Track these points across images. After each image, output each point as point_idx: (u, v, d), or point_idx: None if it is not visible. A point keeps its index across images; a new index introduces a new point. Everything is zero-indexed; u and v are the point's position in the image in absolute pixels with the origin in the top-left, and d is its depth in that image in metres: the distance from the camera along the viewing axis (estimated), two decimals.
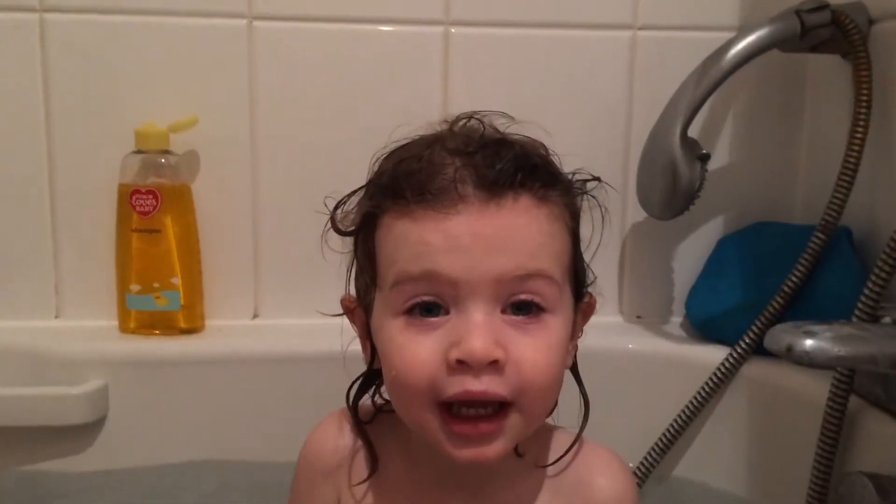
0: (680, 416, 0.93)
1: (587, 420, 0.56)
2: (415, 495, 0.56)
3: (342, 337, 0.60)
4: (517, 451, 0.54)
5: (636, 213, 1.04)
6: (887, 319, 0.74)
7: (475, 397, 0.47)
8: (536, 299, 0.49)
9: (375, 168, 0.54)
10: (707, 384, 0.93)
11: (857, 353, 0.62)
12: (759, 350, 0.91)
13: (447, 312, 0.49)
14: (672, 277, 1.09)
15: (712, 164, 0.97)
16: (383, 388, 0.57)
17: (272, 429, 0.95)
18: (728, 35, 0.92)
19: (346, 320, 0.59)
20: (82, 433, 0.93)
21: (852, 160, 0.88)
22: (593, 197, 0.55)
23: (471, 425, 0.48)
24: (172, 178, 0.98)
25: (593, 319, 0.58)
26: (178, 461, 0.94)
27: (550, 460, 0.56)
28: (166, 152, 0.97)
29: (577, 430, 0.56)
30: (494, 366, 0.47)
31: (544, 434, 0.57)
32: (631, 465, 0.90)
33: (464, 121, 0.55)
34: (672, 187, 0.91)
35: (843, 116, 0.92)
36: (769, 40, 0.90)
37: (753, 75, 1.02)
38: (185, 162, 1.00)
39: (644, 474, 0.92)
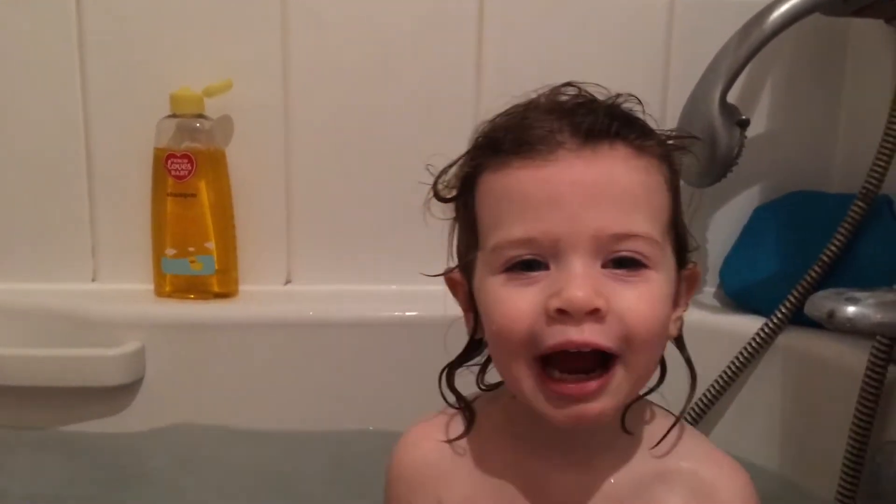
0: (714, 386, 0.93)
1: (694, 392, 0.55)
2: (522, 473, 0.54)
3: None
4: (625, 428, 0.52)
5: None
6: None
7: (576, 347, 0.46)
8: (637, 256, 0.48)
9: (475, 135, 0.54)
10: (742, 353, 0.92)
11: None
12: (795, 320, 0.91)
13: (547, 268, 0.48)
14: (706, 247, 1.08)
15: (750, 132, 0.95)
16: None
17: (304, 394, 0.97)
18: None
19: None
20: (120, 394, 0.94)
21: (894, 127, 0.86)
22: (692, 152, 0.55)
23: (573, 385, 0.47)
24: (207, 143, 0.98)
25: None
26: (211, 424, 0.95)
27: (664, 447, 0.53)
28: (201, 116, 0.98)
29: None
30: (595, 315, 0.46)
31: (653, 417, 0.55)
32: None
33: (559, 90, 0.54)
34: (710, 153, 0.90)
35: (885, 83, 0.90)
36: (812, 3, 0.87)
37: (793, 40, 1.00)
38: (220, 126, 1.00)
39: None
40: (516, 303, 0.48)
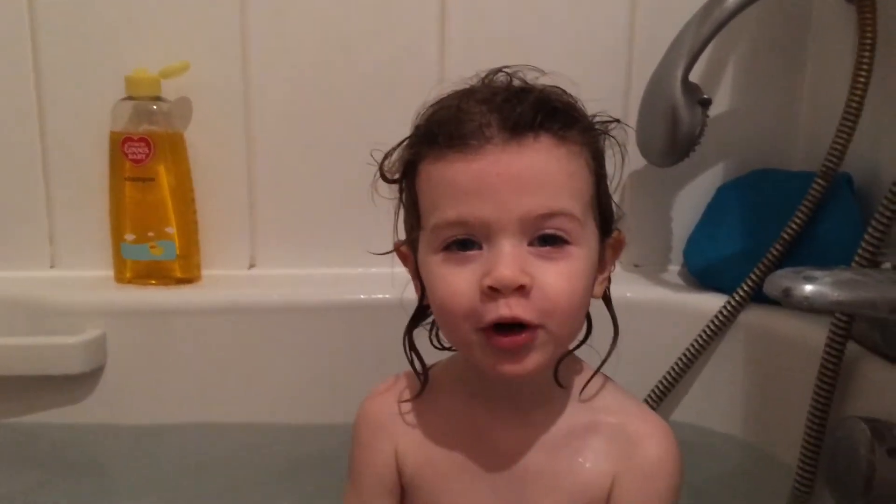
0: (678, 363, 0.94)
1: (615, 344, 0.60)
2: (470, 425, 0.61)
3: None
4: (558, 381, 0.59)
5: (635, 161, 1.02)
6: (887, 265, 0.74)
7: (506, 321, 0.53)
8: (559, 233, 0.54)
9: (416, 121, 0.59)
10: (705, 331, 0.93)
11: (857, 298, 0.62)
12: (757, 297, 0.92)
13: (480, 247, 0.54)
14: (671, 226, 1.08)
15: (712, 111, 0.96)
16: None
17: (269, 380, 0.96)
18: None
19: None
20: (81, 382, 0.93)
21: (854, 105, 0.86)
22: (612, 137, 0.60)
23: (507, 338, 0.54)
24: (165, 126, 0.96)
25: None
26: (176, 416, 0.95)
27: (589, 395, 0.61)
28: (158, 99, 0.96)
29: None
30: (521, 291, 0.53)
31: (583, 372, 0.62)
32: None
33: (493, 76, 0.59)
34: (672, 133, 0.90)
35: (847, 61, 0.90)
36: None
37: (755, 19, 1.00)
38: (178, 108, 0.98)
39: None
40: (455, 281, 0.54)
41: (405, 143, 0.59)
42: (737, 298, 0.92)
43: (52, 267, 1.03)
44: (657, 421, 0.61)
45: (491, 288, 0.52)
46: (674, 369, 0.94)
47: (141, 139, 0.95)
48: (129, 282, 0.99)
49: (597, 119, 0.59)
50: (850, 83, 0.87)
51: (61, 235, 1.02)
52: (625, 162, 0.62)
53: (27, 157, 0.99)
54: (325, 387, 0.96)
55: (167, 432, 0.94)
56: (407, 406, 0.63)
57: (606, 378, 0.62)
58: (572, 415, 0.60)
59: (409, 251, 0.61)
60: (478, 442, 0.61)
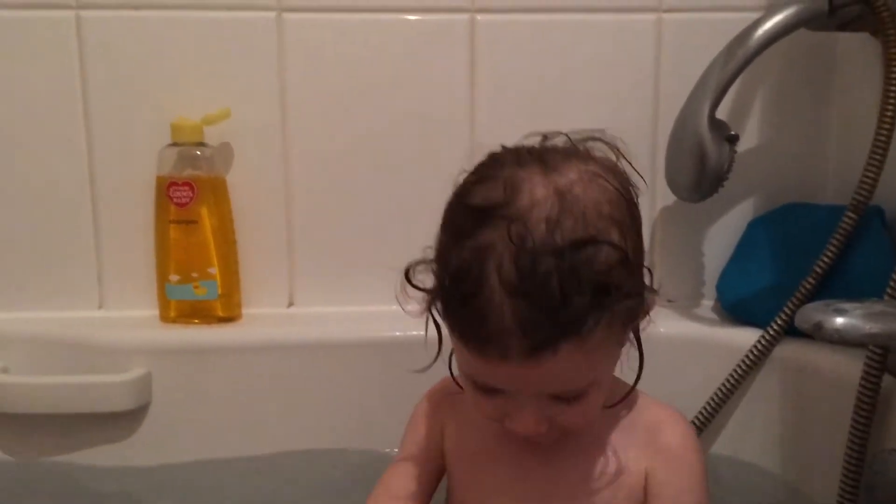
0: (714, 398, 0.94)
1: (642, 368, 0.62)
2: (501, 432, 0.63)
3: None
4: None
5: (665, 197, 1.04)
6: None
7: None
8: (581, 394, 0.57)
9: (446, 209, 0.59)
10: (740, 366, 0.93)
11: (889, 330, 0.62)
12: (790, 331, 0.91)
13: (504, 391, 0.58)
14: (703, 261, 1.09)
15: (741, 146, 0.97)
16: None
17: (309, 416, 0.98)
18: (755, 15, 0.91)
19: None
20: (127, 420, 0.95)
21: (883, 138, 0.87)
22: (635, 204, 0.59)
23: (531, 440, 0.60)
24: (208, 170, 1.00)
25: None
26: (218, 451, 0.96)
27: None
28: (201, 144, 1.00)
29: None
30: (540, 434, 0.58)
31: (614, 386, 0.64)
32: None
33: (548, 142, 0.60)
34: (700, 169, 0.91)
35: (873, 95, 0.91)
36: (797, 19, 0.89)
37: (782, 55, 1.02)
38: (220, 154, 1.02)
39: None
40: (483, 406, 0.59)
41: (435, 259, 0.59)
42: (771, 333, 0.92)
43: (100, 307, 1.06)
44: (674, 412, 0.66)
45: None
46: (709, 405, 0.94)
47: (185, 183, 0.98)
48: (174, 321, 1.02)
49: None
50: (878, 116, 0.88)
51: (109, 277, 1.05)
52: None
53: (78, 201, 1.03)
54: (360, 418, 0.98)
55: (210, 467, 0.95)
56: (459, 396, 0.65)
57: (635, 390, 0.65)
58: (605, 421, 0.64)
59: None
60: (512, 445, 0.64)
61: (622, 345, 0.59)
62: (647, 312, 0.60)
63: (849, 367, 0.81)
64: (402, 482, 0.68)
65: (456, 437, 0.68)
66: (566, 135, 0.60)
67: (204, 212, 1.00)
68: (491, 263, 0.52)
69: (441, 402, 0.70)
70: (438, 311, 0.58)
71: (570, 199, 0.53)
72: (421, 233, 0.60)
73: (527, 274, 0.51)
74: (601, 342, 0.54)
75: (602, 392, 0.59)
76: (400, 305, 0.58)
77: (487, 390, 0.58)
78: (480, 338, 0.53)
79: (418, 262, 0.59)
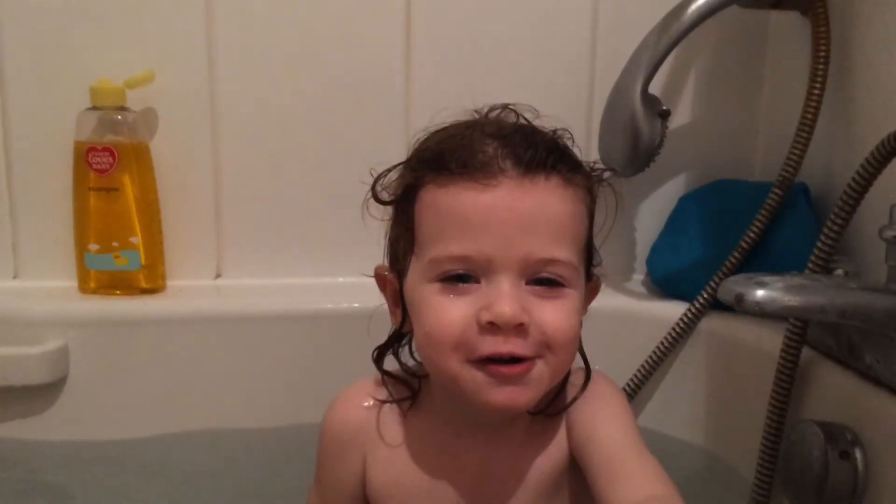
0: (640, 371, 0.95)
1: (588, 380, 0.62)
2: (438, 448, 0.62)
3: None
4: (532, 411, 0.60)
5: None
6: (839, 272, 0.76)
7: (503, 356, 0.54)
8: (557, 278, 0.55)
9: (416, 146, 0.59)
10: (666, 338, 0.95)
11: (807, 303, 0.64)
12: (716, 305, 0.93)
13: (478, 281, 0.54)
14: (633, 236, 1.10)
15: (673, 122, 0.97)
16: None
17: (237, 390, 0.96)
18: None
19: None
20: (43, 393, 0.92)
21: (809, 117, 0.89)
22: (610, 185, 0.62)
23: (507, 367, 0.54)
24: (130, 136, 0.96)
25: None
26: (140, 428, 0.94)
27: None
28: (123, 109, 0.96)
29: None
30: (519, 329, 0.53)
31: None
32: None
33: (497, 111, 0.60)
34: (633, 144, 0.92)
35: (803, 73, 0.93)
36: None
37: (714, 32, 1.03)
38: (143, 119, 0.98)
39: None
40: (449, 311, 0.54)
41: (405, 166, 0.59)
42: (696, 306, 0.94)
43: (14, 277, 1.02)
44: (582, 370, 0.63)
45: (490, 323, 0.53)
46: (636, 377, 0.95)
47: (105, 149, 0.95)
48: (94, 292, 0.98)
49: (594, 169, 0.60)
50: (805, 95, 0.89)
51: (24, 245, 1.01)
52: (617, 209, 0.64)
53: None
54: (291, 392, 0.96)
55: (131, 445, 0.93)
56: (378, 419, 0.63)
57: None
58: (541, 421, 0.61)
59: (392, 277, 0.60)
60: (446, 464, 0.61)
61: (587, 282, 0.59)
62: (597, 289, 0.62)
63: (771, 340, 0.83)
64: None
65: (383, 470, 0.63)
66: (510, 107, 0.61)
67: (126, 179, 0.96)
68: (475, 127, 0.57)
69: (353, 432, 0.63)
70: (409, 206, 0.57)
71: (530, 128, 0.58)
72: (355, 204, 0.60)
73: (511, 126, 0.57)
74: (579, 210, 0.56)
75: (576, 307, 0.56)
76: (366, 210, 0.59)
77: (460, 281, 0.54)
78: (475, 164, 0.54)
79: (388, 171, 0.60)
